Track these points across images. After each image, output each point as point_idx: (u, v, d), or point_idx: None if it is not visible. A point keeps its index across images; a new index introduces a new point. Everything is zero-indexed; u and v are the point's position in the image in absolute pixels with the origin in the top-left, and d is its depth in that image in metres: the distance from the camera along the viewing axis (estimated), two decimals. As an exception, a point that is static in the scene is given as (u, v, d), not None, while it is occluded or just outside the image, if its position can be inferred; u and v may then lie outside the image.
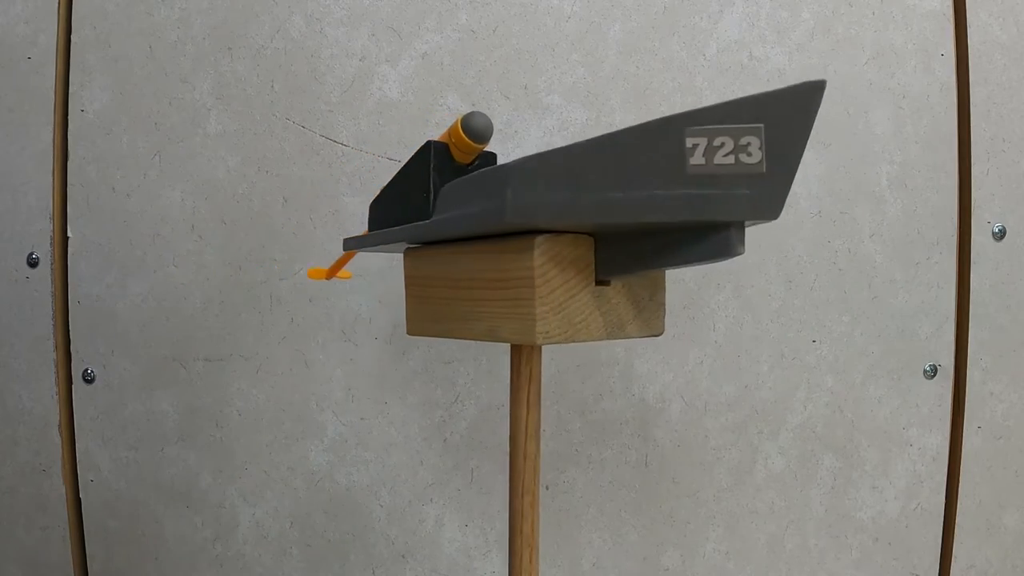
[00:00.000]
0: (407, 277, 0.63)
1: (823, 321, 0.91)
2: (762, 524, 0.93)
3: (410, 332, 0.62)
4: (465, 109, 0.90)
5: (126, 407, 0.92)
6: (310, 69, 0.90)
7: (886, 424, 0.92)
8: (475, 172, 0.52)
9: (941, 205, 0.91)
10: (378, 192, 0.72)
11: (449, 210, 0.53)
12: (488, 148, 0.90)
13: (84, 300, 0.92)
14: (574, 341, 0.52)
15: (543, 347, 0.58)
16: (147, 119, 0.91)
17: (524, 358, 0.55)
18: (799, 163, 0.43)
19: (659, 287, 0.54)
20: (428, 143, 0.59)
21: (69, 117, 0.91)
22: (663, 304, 0.54)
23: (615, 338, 0.52)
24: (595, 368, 0.91)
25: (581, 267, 0.52)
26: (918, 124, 0.90)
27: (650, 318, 0.54)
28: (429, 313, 0.60)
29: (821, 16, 0.90)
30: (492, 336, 0.54)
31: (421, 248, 0.61)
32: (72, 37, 0.91)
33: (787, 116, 0.42)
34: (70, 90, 0.91)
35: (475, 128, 0.57)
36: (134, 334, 0.92)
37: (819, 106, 0.42)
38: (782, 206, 0.42)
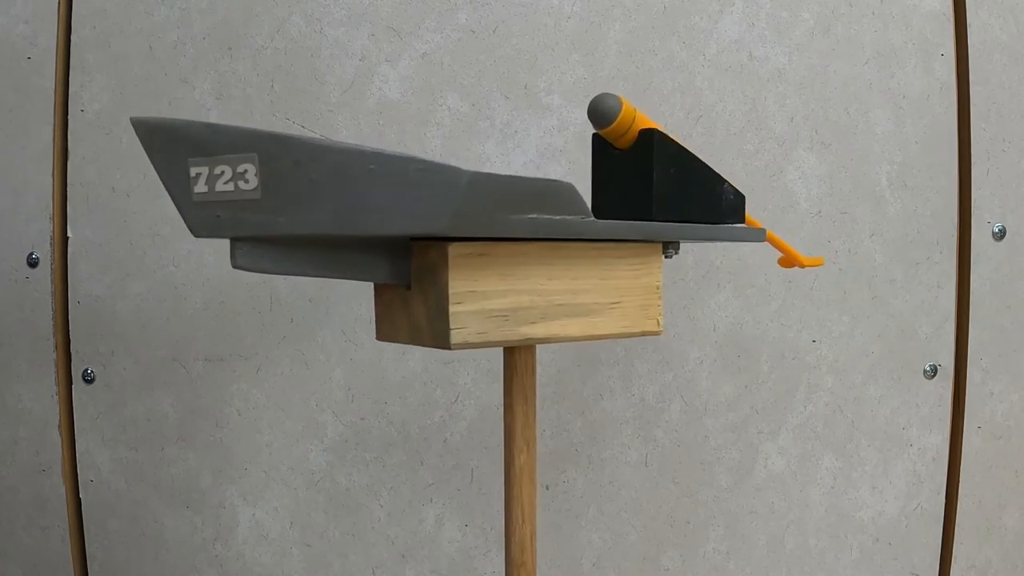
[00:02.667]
0: None
1: (823, 321, 0.91)
2: (762, 524, 0.93)
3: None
4: (465, 109, 0.90)
5: (126, 407, 0.92)
6: (310, 69, 0.90)
7: (886, 424, 0.92)
8: None
9: (941, 205, 0.91)
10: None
11: None
12: (482, 147, 0.90)
13: (84, 300, 0.92)
14: (398, 342, 0.53)
15: (536, 348, 0.57)
16: (147, 119, 0.91)
17: (511, 358, 0.56)
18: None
19: (442, 295, 0.49)
20: (593, 135, 0.61)
21: (69, 117, 0.91)
22: (447, 312, 0.49)
23: (420, 345, 0.51)
24: (595, 368, 0.91)
25: None
26: (918, 124, 0.90)
27: (441, 328, 0.49)
28: None
29: (821, 16, 0.90)
30: None
31: None
32: (72, 37, 0.91)
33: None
34: (70, 90, 0.91)
35: (590, 110, 0.57)
36: (134, 334, 0.92)
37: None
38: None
